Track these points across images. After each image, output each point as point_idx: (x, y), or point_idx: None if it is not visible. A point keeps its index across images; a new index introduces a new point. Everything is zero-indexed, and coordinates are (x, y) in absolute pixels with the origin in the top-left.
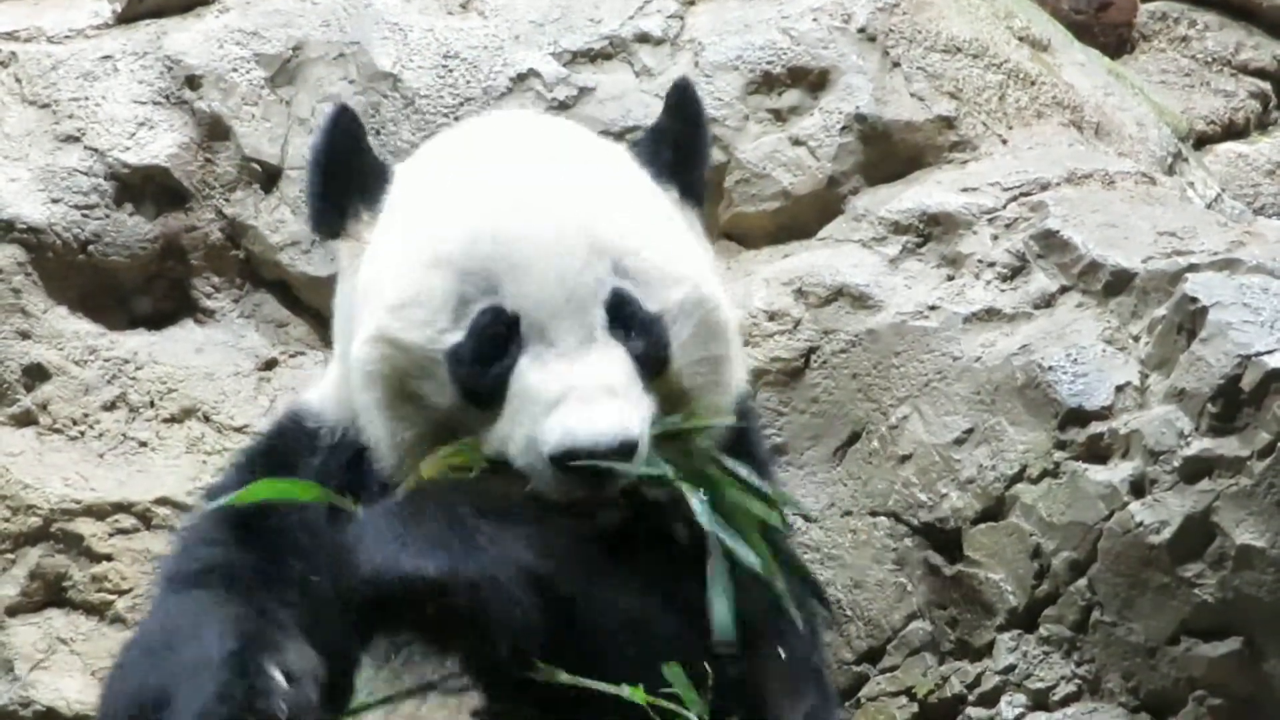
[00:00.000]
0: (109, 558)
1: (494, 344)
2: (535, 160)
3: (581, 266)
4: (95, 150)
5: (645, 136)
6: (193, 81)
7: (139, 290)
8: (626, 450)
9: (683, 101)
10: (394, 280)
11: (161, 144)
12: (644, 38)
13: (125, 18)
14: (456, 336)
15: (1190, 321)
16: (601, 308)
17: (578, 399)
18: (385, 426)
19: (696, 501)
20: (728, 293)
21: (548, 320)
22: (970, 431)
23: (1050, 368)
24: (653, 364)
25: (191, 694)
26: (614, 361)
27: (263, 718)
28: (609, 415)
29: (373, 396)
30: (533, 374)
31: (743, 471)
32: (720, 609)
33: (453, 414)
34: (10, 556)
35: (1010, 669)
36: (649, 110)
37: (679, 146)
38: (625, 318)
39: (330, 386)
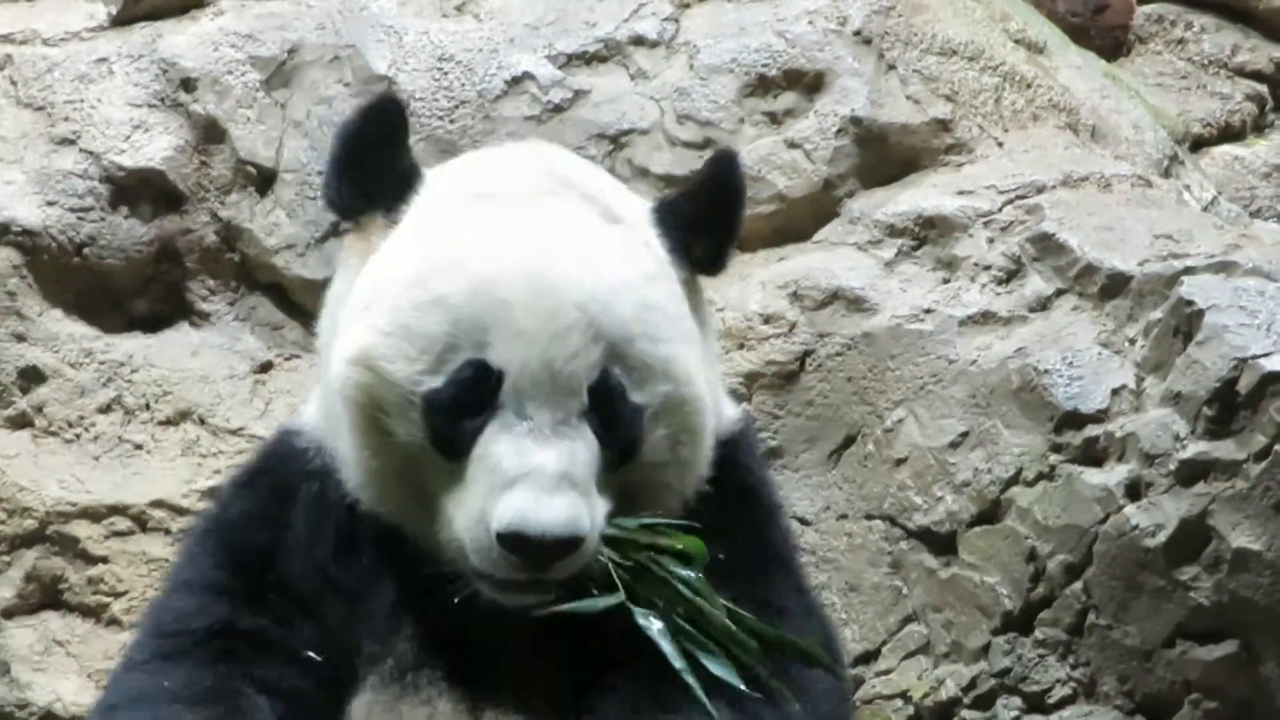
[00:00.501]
0: (105, 560)
1: (472, 398)
2: (555, 220)
3: (576, 348)
4: (90, 153)
5: (676, 198)
6: (188, 84)
7: (134, 293)
8: (573, 545)
9: (723, 174)
10: (390, 305)
11: (157, 147)
12: (639, 40)
13: (120, 20)
14: (437, 382)
15: (1186, 324)
16: (585, 391)
17: (535, 484)
18: (354, 450)
19: (653, 626)
20: (711, 389)
21: (529, 390)
22: (966, 435)
23: (1046, 371)
24: (622, 454)
25: None
26: (581, 452)
27: None
28: (562, 508)
29: (346, 418)
30: (500, 443)
31: (692, 577)
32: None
33: (419, 456)
34: (6, 559)
35: (1006, 672)
36: (643, 113)
37: (710, 217)
38: (607, 404)
39: (316, 398)
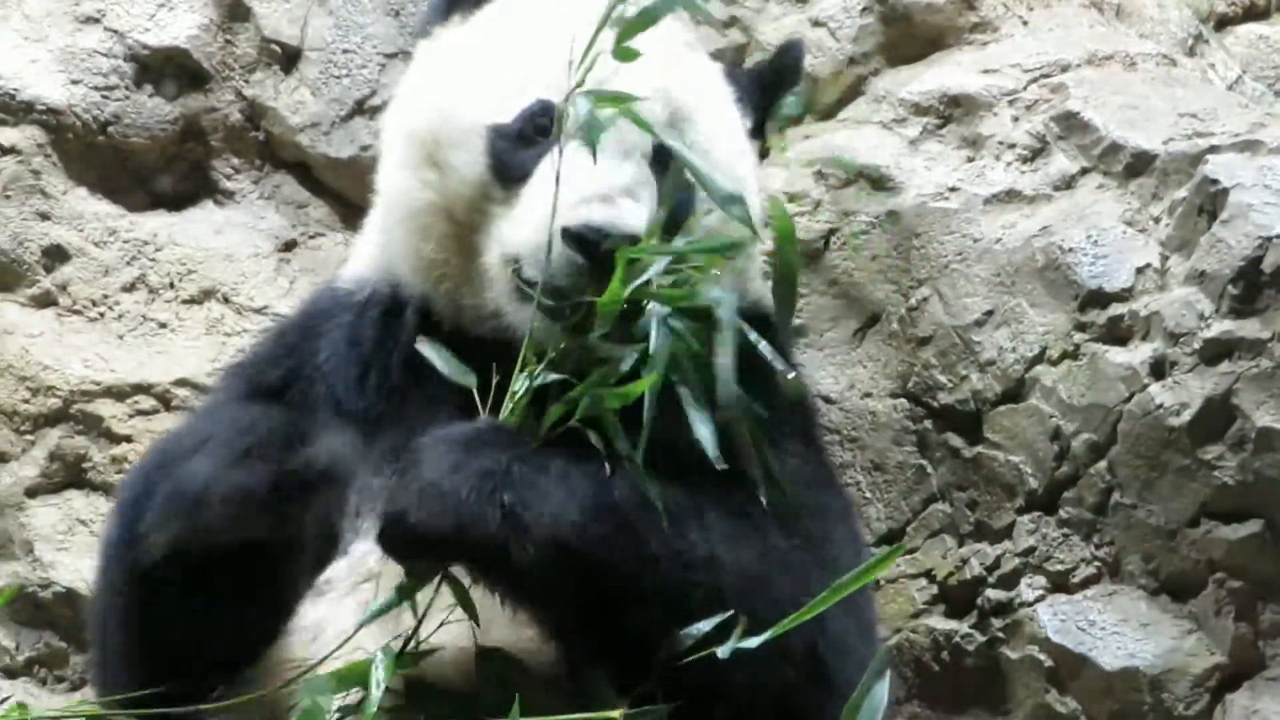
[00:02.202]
0: (128, 439)
1: (537, 128)
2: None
3: (643, 104)
4: (115, 31)
5: (743, 72)
6: None
7: (158, 171)
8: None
9: (789, 62)
10: (460, 57)
11: (181, 25)
12: None
13: None
14: (505, 118)
15: (1211, 203)
16: (649, 142)
17: (605, 188)
18: (407, 191)
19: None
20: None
21: (594, 130)
22: (990, 313)
23: (1070, 249)
24: (672, 221)
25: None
26: (646, 180)
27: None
28: (630, 210)
29: (405, 159)
30: (567, 162)
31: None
32: (704, 434)
33: (475, 190)
34: (30, 438)
35: (1030, 551)
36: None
37: (769, 95)
38: (665, 165)
39: (365, 243)
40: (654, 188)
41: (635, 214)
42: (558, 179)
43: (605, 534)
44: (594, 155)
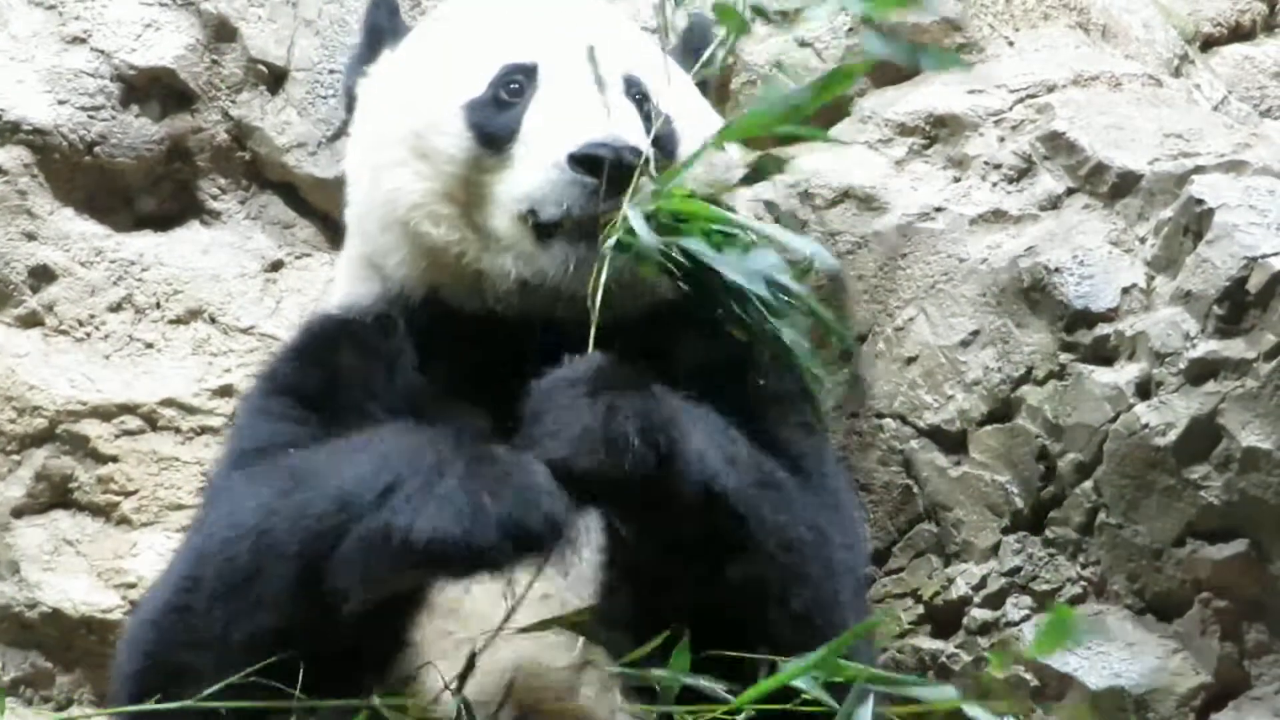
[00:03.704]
0: (115, 459)
1: (510, 91)
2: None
3: (607, 37)
4: (101, 51)
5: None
6: None
7: (145, 191)
8: (640, 160)
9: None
10: (414, 58)
11: (167, 45)
12: None
13: None
14: (475, 92)
15: (1196, 223)
16: (619, 75)
17: (599, 110)
18: (405, 185)
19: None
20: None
21: (566, 66)
22: (976, 333)
23: (1056, 269)
24: (656, 150)
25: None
26: (629, 107)
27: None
28: (628, 127)
29: (389, 161)
30: (552, 100)
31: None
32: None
33: (467, 166)
34: (16, 458)
35: (1016, 571)
36: (652, 12)
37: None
38: (639, 97)
39: (348, 269)
40: (636, 113)
41: (634, 127)
42: (547, 118)
43: (746, 482)
44: (573, 89)
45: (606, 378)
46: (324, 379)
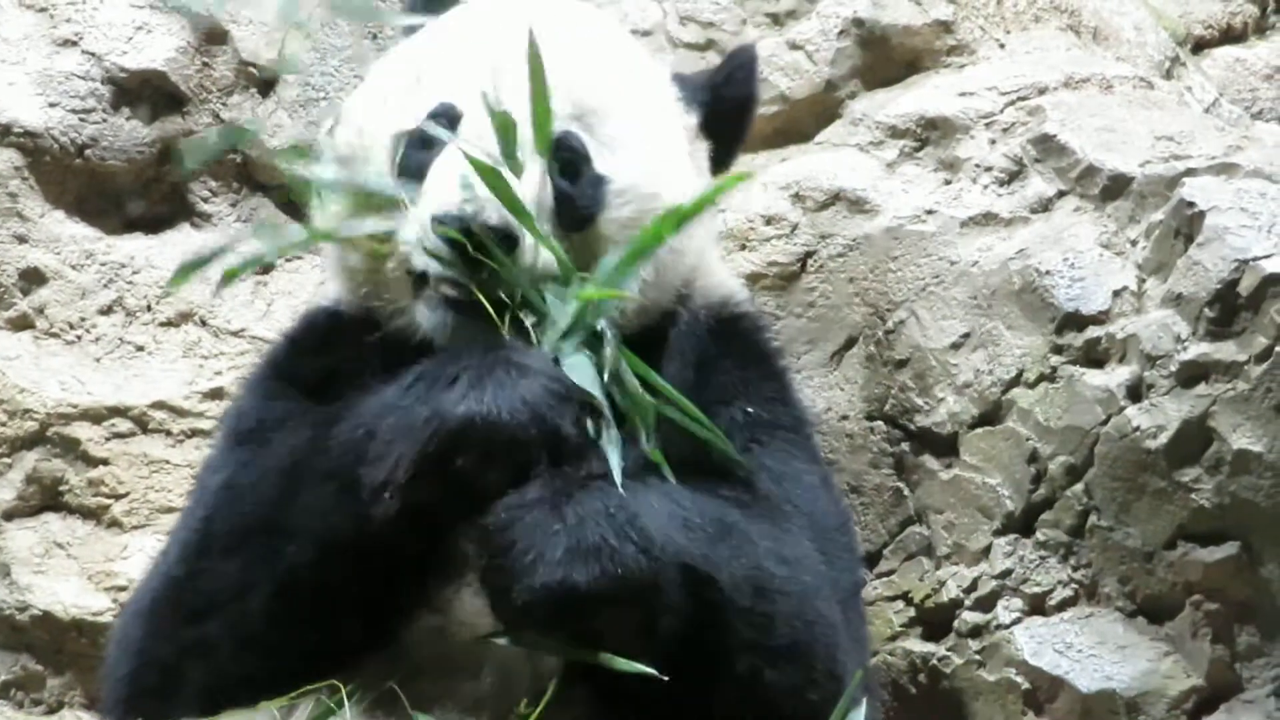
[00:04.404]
0: (105, 462)
1: (434, 133)
2: (554, 16)
3: (554, 85)
4: (92, 54)
5: (694, 77)
6: None
7: (136, 194)
8: (506, 235)
9: (740, 72)
10: (370, 82)
11: (159, 48)
12: None
13: None
14: (408, 124)
15: (1187, 226)
16: (548, 133)
17: (473, 179)
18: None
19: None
20: (700, 246)
21: (484, 123)
22: (967, 336)
23: (1047, 272)
24: (578, 216)
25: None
26: (530, 174)
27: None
28: (494, 203)
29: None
30: (452, 154)
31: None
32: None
33: (388, 195)
34: (7, 460)
35: (1007, 573)
36: (645, 14)
37: (724, 108)
38: (565, 159)
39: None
40: (536, 181)
41: (497, 206)
42: (440, 173)
43: (718, 553)
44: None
45: (560, 488)
46: (321, 369)
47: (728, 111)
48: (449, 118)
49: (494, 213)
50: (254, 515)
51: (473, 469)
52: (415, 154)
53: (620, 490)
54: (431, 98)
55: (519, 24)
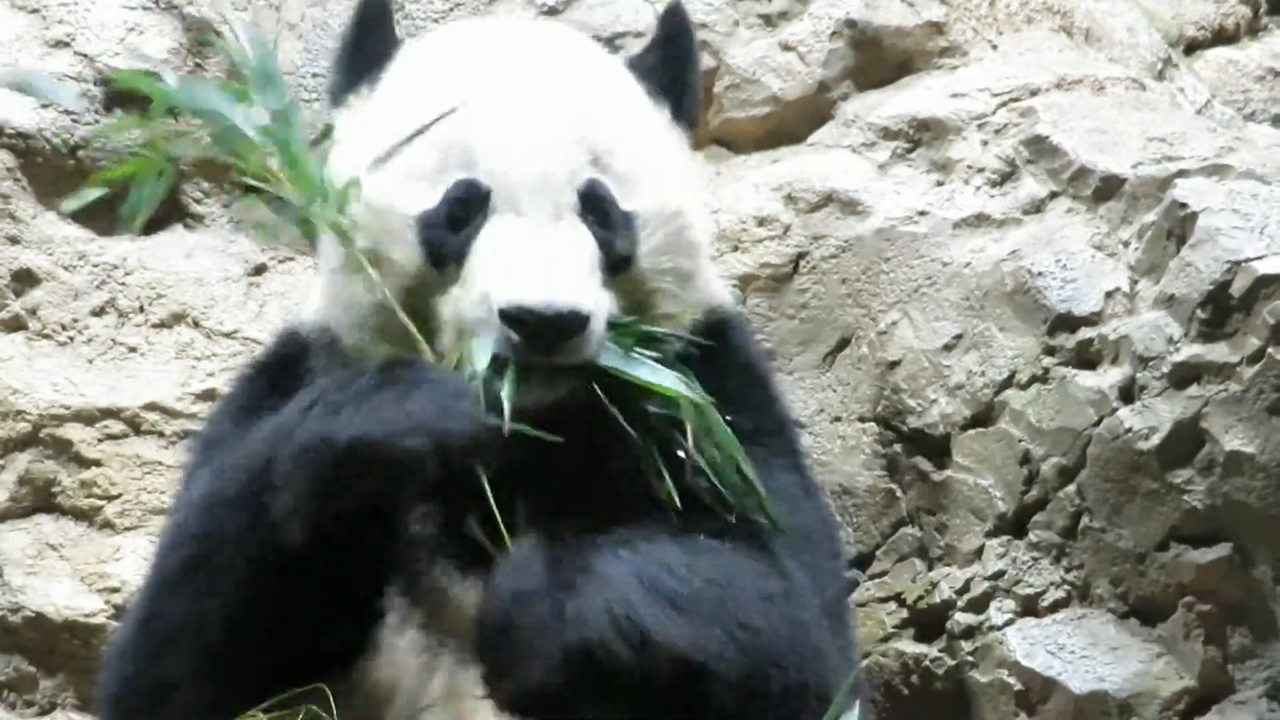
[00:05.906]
0: (98, 463)
1: (464, 211)
2: (532, 55)
3: (560, 150)
4: (85, 55)
5: (640, 55)
6: None
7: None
8: (576, 322)
9: (674, 27)
10: (375, 146)
11: (151, 49)
12: None
13: None
14: (430, 204)
15: (1180, 227)
16: (574, 192)
17: (537, 260)
18: (347, 292)
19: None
20: (706, 210)
21: (519, 194)
22: (959, 337)
23: (1040, 273)
24: (618, 259)
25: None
26: (579, 240)
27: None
28: (564, 283)
29: (340, 256)
30: (497, 235)
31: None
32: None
33: (415, 280)
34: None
35: (999, 575)
36: (638, 15)
37: (670, 70)
38: (597, 208)
39: (319, 285)
40: (588, 241)
41: (575, 288)
42: (490, 258)
43: (710, 635)
44: (521, 225)
45: (562, 579)
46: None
47: (677, 76)
48: (477, 196)
49: (569, 305)
50: (193, 550)
51: (370, 489)
52: (447, 235)
53: (617, 566)
54: (445, 173)
55: (516, 73)
